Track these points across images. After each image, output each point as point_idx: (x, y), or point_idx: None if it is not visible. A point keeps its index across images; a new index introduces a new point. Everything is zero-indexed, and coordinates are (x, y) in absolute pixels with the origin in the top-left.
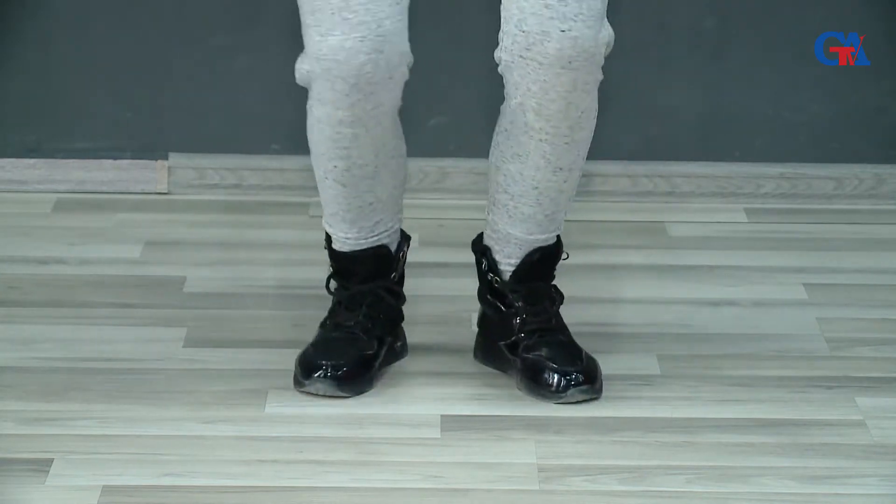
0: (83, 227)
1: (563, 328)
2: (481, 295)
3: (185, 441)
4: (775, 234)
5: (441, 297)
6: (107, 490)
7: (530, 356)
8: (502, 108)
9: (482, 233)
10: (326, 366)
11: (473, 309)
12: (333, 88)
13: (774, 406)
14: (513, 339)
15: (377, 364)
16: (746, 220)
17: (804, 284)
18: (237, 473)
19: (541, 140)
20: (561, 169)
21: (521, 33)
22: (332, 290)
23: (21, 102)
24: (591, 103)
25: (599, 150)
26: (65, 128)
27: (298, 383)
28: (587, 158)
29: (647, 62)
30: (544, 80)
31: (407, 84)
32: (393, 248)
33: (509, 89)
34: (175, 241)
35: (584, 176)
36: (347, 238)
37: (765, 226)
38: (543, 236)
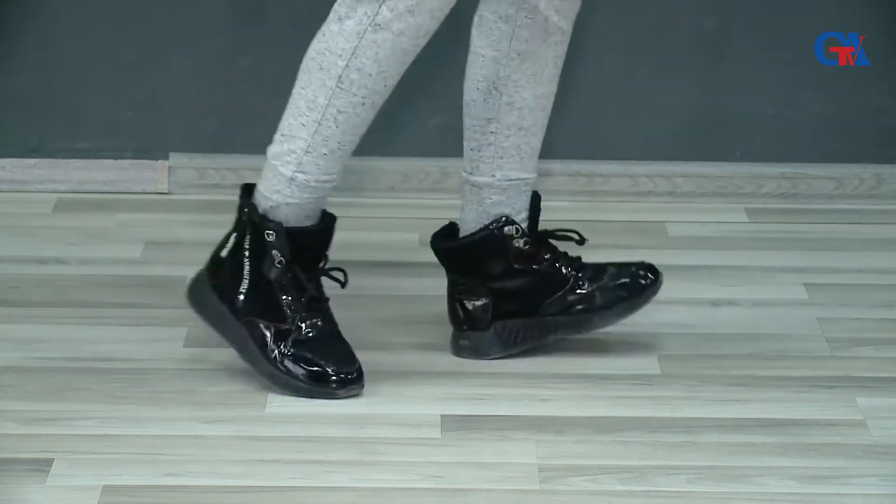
0: (83, 227)
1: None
2: (503, 274)
3: (186, 441)
4: (776, 234)
5: (441, 297)
6: (107, 490)
7: (602, 285)
8: (482, 58)
9: (450, 225)
10: (353, 370)
11: None
12: None
13: (775, 406)
14: (569, 284)
15: None
16: (747, 220)
17: (804, 284)
18: (237, 473)
19: (556, 43)
20: (559, 74)
21: None
22: (284, 282)
23: (21, 102)
24: None
25: (599, 150)
26: (65, 128)
27: (332, 394)
28: (589, 158)
29: (648, 62)
30: None
31: (407, 84)
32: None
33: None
34: (175, 241)
35: (584, 176)
36: (325, 180)
37: (765, 226)
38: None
